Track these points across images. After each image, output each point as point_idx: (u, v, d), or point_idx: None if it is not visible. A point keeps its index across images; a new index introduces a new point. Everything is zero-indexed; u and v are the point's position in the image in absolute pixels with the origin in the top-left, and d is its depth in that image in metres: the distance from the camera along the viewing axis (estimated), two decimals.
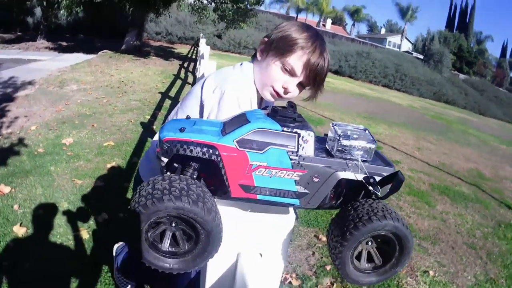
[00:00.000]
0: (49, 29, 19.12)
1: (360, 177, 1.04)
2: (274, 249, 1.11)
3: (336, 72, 29.26)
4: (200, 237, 0.95)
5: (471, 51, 54.38)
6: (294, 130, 1.01)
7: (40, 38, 18.05)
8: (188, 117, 1.14)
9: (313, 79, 1.51)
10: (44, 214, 3.57)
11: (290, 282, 3.20)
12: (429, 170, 7.52)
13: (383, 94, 22.52)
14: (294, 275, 3.31)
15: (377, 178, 1.05)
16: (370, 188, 1.02)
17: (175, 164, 1.04)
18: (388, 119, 12.67)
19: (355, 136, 1.07)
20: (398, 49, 47.24)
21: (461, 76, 40.00)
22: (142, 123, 6.67)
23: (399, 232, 1.01)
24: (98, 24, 22.91)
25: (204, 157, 0.98)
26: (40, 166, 4.49)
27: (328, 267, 3.49)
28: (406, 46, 59.32)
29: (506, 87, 50.27)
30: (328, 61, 1.53)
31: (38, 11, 21.59)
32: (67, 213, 3.63)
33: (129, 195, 4.07)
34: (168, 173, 1.03)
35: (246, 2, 15.21)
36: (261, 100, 1.71)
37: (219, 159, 0.98)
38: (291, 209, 1.15)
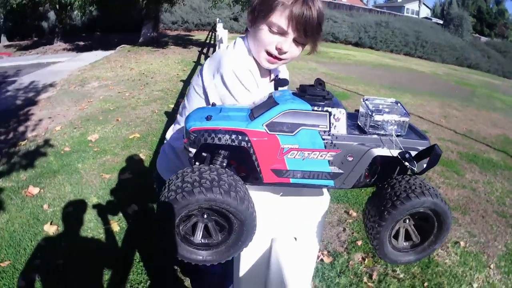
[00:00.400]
0: (64, 31, 19.27)
1: (395, 153, 1.00)
2: (309, 232, 1.08)
3: (356, 44, 28.85)
4: (233, 227, 0.92)
5: (491, 12, 53.05)
6: (325, 108, 0.97)
7: (56, 40, 18.21)
8: (213, 104, 1.11)
9: (304, 31, 1.41)
10: (74, 211, 3.63)
11: (322, 260, 3.20)
12: (457, 138, 7.40)
13: (405, 62, 22.11)
14: (325, 253, 3.31)
15: (413, 153, 1.01)
16: (406, 163, 0.97)
17: (203, 154, 1.01)
18: (412, 88, 12.44)
19: (387, 110, 1.03)
20: (416, 16, 46.34)
21: (483, 38, 39.06)
22: (166, 113, 6.68)
23: (438, 208, 0.98)
24: (114, 20, 22.98)
25: (233, 144, 0.95)
26: (68, 164, 4.55)
27: (359, 243, 3.47)
28: (425, 12, 58.03)
29: None
30: (318, 8, 1.42)
31: (51, 15, 21.76)
32: (96, 207, 3.68)
33: None
34: (197, 163, 1.00)
35: None
36: (269, 72, 1.67)
37: (249, 145, 0.95)
38: (325, 190, 1.11)
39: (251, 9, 1.48)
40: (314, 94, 0.99)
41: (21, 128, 5.92)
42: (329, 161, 0.99)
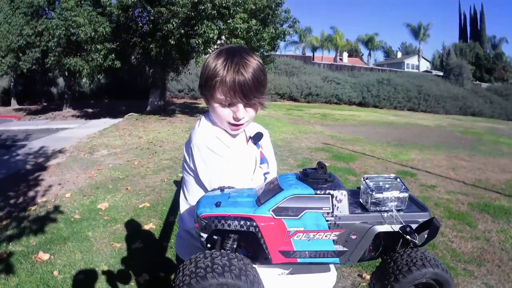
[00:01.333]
0: (73, 97, 19.72)
1: (396, 228, 1.06)
2: None
3: (360, 104, 29.25)
4: None
5: (489, 57, 53.67)
6: (327, 191, 1.04)
7: (65, 107, 18.60)
8: (222, 189, 1.18)
9: (245, 96, 1.51)
10: (84, 279, 3.62)
11: None
12: (466, 189, 7.34)
13: (409, 118, 22.33)
14: None
15: (413, 226, 1.07)
16: (408, 237, 1.03)
17: (214, 237, 1.07)
18: (418, 143, 12.50)
19: (387, 187, 1.09)
20: (417, 70, 47.09)
21: (483, 85, 39.49)
22: (175, 182, 6.71)
23: (440, 278, 1.03)
24: (121, 88, 23.48)
25: (242, 229, 1.02)
26: (78, 232, 4.57)
27: None
28: (425, 65, 58.97)
29: None
30: (252, 70, 1.52)
31: (61, 81, 22.33)
32: (107, 276, 3.67)
33: (168, 254, 4.09)
34: (209, 248, 1.06)
35: (262, 50, 15.39)
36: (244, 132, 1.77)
37: (257, 229, 1.02)
38: (332, 266, 1.17)
39: (199, 89, 1.64)
40: (316, 177, 1.07)
41: (31, 193, 5.99)
42: (333, 240, 1.05)
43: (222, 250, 1.02)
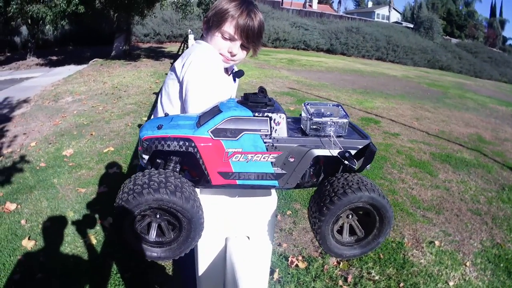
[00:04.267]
0: (37, 45, 19.01)
1: (335, 152, 1.08)
2: (260, 230, 1.16)
3: (328, 51, 29.00)
4: (182, 225, 1.01)
5: (460, 14, 53.96)
6: (266, 114, 1.06)
7: (29, 55, 17.99)
8: (166, 114, 1.20)
9: (247, 38, 1.70)
10: (51, 226, 3.64)
11: (297, 265, 3.24)
12: (429, 139, 7.52)
13: (377, 67, 22.32)
14: (300, 258, 3.35)
15: (353, 152, 1.10)
16: (346, 162, 1.05)
17: (158, 160, 1.10)
18: (384, 92, 12.60)
19: (328, 113, 1.11)
20: (387, 21, 46.82)
21: (453, 40, 39.62)
22: (140, 125, 6.63)
23: (376, 203, 1.05)
24: (86, 34, 22.80)
25: (181, 150, 1.04)
26: (44, 180, 4.55)
27: None
28: (395, 16, 58.60)
29: (499, 47, 49.66)
30: (259, 19, 1.72)
31: (24, 29, 21.47)
32: (73, 221, 3.71)
33: None
34: (147, 169, 1.08)
35: None
36: (226, 69, 1.89)
37: (195, 150, 1.04)
38: (273, 191, 1.19)
39: (206, 19, 1.77)
40: (256, 101, 1.08)
41: None
42: (271, 162, 1.07)
43: (160, 169, 1.05)
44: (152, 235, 1.04)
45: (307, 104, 1.14)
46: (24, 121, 7.23)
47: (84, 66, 14.91)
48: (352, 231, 1.13)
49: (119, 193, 0.99)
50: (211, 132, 1.04)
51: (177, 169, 1.09)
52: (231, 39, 1.70)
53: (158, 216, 1.02)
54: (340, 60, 23.85)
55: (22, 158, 5.22)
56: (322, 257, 3.38)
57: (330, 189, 1.06)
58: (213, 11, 1.73)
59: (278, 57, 20.53)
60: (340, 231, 1.12)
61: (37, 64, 16.55)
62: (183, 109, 1.66)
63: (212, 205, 1.08)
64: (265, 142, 1.06)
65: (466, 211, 4.59)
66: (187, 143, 1.04)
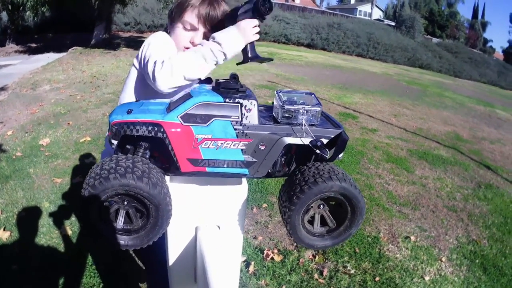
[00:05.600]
0: (17, 32, 18.69)
1: (306, 141, 1.07)
2: (231, 220, 1.15)
3: (308, 46, 28.81)
4: (150, 212, 0.99)
5: (443, 14, 54.23)
6: (237, 100, 1.05)
7: (8, 42, 17.65)
8: (137, 100, 1.19)
9: (210, 27, 1.63)
10: (26, 216, 3.59)
11: (272, 258, 3.25)
12: (407, 136, 7.56)
13: (357, 63, 22.32)
14: (276, 251, 3.36)
15: (325, 141, 1.09)
16: (317, 151, 1.05)
17: (127, 146, 1.09)
18: (363, 88, 12.60)
19: (300, 101, 1.10)
20: (369, 18, 46.82)
21: (434, 40, 39.81)
22: None
23: (347, 193, 1.04)
24: (66, 21, 22.42)
25: (150, 135, 1.03)
26: (19, 169, 4.48)
27: None
28: (377, 14, 58.53)
29: (479, 48, 50.21)
30: (223, 9, 1.65)
31: (4, 15, 21.05)
32: (49, 212, 3.66)
33: None
34: (115, 154, 1.07)
35: None
36: None
37: (164, 135, 1.02)
38: (244, 180, 1.18)
39: (169, 13, 1.73)
40: (228, 87, 1.08)
41: None
42: (242, 150, 1.07)
43: (128, 155, 1.04)
44: (120, 222, 1.02)
45: (279, 92, 1.13)
46: (1, 109, 7.08)
47: (64, 54, 14.66)
48: (323, 222, 1.12)
49: (86, 179, 0.99)
50: (181, 117, 1.02)
51: (147, 156, 1.08)
52: (193, 29, 1.64)
53: (125, 203, 1.00)
54: (321, 55, 23.76)
55: None
56: (297, 251, 3.39)
57: (300, 178, 1.05)
58: (175, 3, 1.70)
59: (258, 50, 20.33)
60: (311, 222, 1.11)
61: (16, 51, 16.24)
62: (140, 94, 1.61)
63: (182, 194, 1.07)
64: (235, 129, 1.05)
65: (442, 207, 4.64)
66: (156, 128, 1.02)
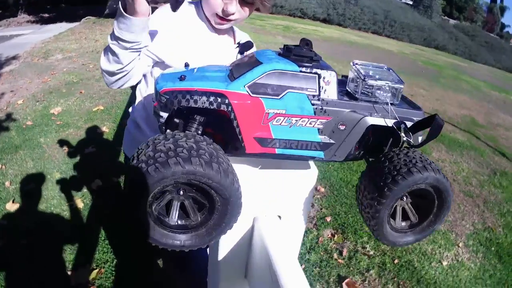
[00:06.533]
0: (29, 3, 18.59)
1: (390, 122, 0.90)
2: (294, 210, 0.98)
3: (324, 21, 28.42)
4: (215, 205, 0.79)
5: None
6: (314, 70, 0.85)
7: (21, 13, 17.58)
8: (186, 64, 0.96)
9: None
10: (36, 188, 3.47)
11: None
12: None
13: (373, 41, 22.01)
14: None
15: (408, 124, 0.92)
16: (402, 135, 0.88)
17: (175, 120, 0.88)
18: None
19: (377, 76, 0.92)
20: None
21: (451, 21, 39.43)
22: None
23: (441, 185, 0.89)
24: None
25: (211, 107, 0.81)
26: (30, 139, 4.36)
27: (328, 219, 3.46)
28: None
29: (496, 33, 49.69)
30: None
31: None
32: (60, 183, 3.54)
33: (121, 158, 3.94)
34: (169, 131, 0.86)
35: None
36: (233, 35, 1.62)
37: (229, 108, 0.82)
38: (311, 163, 1.00)
39: None
40: (301, 54, 0.88)
41: None
42: (318, 129, 0.88)
43: (187, 132, 0.83)
44: (174, 217, 0.81)
45: (356, 63, 0.95)
46: (12, 78, 6.94)
47: (76, 24, 14.41)
48: (404, 216, 0.97)
49: (133, 162, 0.75)
50: (249, 87, 0.82)
51: (200, 132, 0.87)
52: None
53: (181, 193, 0.79)
54: (336, 31, 23.42)
55: (9, 117, 4.99)
56: (317, 229, 3.32)
57: (390, 167, 0.87)
58: None
59: (274, 23, 20.04)
60: (392, 216, 0.95)
61: (28, 21, 16.15)
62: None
63: (240, 179, 0.84)
64: (313, 104, 0.85)
65: (458, 192, 4.57)
66: (219, 99, 0.81)
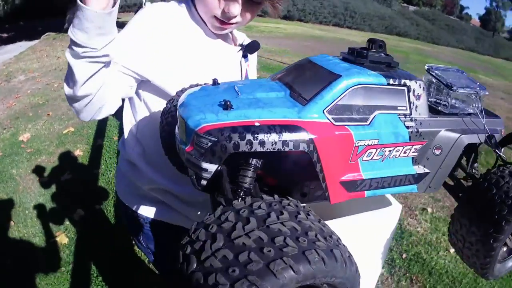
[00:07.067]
0: None
1: (482, 138, 0.72)
2: (372, 250, 0.77)
3: (285, 17, 28.58)
4: None
5: None
6: (402, 81, 0.64)
7: None
8: (215, 81, 0.70)
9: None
10: (15, 225, 3.23)
11: None
12: None
13: (336, 33, 22.29)
14: None
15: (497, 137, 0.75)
16: (496, 151, 0.71)
17: (217, 168, 0.58)
18: None
19: (449, 80, 0.73)
20: None
21: (411, 8, 40.37)
22: None
23: None
24: (37, 6, 21.81)
25: (285, 149, 0.54)
26: (1, 171, 4.08)
27: None
28: None
29: (456, 15, 51.07)
30: None
31: None
32: (39, 218, 3.31)
33: (101, 182, 3.77)
34: (205, 190, 0.60)
35: None
36: (232, 38, 1.36)
37: (311, 147, 0.55)
38: (393, 199, 0.79)
39: None
40: (377, 60, 0.65)
41: None
42: (413, 158, 0.67)
43: (284, 199, 0.52)
44: None
45: (434, 68, 0.75)
46: None
47: (36, 41, 14.08)
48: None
49: (190, 268, 0.44)
50: (329, 112, 0.58)
51: (254, 181, 0.58)
52: None
53: None
54: (298, 27, 23.59)
55: None
56: None
57: (501, 194, 0.67)
58: None
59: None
60: None
61: None
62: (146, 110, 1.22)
63: None
64: (407, 127, 0.63)
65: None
66: (294, 136, 0.54)
